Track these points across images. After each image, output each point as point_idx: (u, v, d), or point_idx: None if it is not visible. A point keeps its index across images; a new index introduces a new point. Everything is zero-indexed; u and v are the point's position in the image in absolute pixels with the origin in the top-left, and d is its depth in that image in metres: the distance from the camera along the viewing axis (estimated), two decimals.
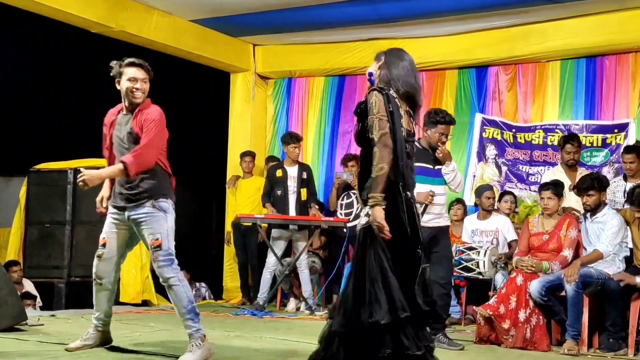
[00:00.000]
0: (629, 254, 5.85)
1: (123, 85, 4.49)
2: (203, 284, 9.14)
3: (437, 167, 5.67)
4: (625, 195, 6.03)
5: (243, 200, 8.60)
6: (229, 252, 9.10)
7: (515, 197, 7.48)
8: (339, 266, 7.49)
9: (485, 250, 6.58)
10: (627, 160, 6.47)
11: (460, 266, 6.61)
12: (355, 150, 8.82)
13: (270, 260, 7.71)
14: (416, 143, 5.52)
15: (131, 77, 4.47)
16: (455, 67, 8.66)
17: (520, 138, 8.09)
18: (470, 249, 6.69)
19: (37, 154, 8.68)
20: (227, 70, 9.60)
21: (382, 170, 3.46)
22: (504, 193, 7.55)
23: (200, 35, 8.72)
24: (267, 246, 7.72)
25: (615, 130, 7.60)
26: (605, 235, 5.69)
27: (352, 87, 9.24)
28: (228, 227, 8.73)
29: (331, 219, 7.59)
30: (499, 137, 8.20)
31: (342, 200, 7.63)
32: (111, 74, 4.54)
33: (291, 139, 7.98)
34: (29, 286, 7.68)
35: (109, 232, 4.60)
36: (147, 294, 7.84)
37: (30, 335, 5.19)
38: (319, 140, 9.37)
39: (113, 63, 4.54)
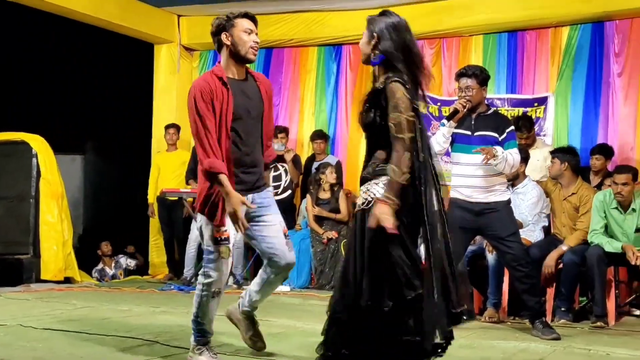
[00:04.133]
0: (547, 224, 6.04)
1: (239, 38, 3.77)
2: (121, 255, 8.98)
3: (477, 133, 4.92)
4: None
5: (168, 174, 8.44)
6: (154, 227, 8.95)
7: None
8: None
9: None
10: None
11: None
12: (284, 122, 8.81)
13: (192, 235, 7.66)
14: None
15: (248, 29, 3.80)
16: None
17: (446, 112, 8.22)
18: None
19: None
20: (150, 42, 9.36)
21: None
22: None
23: (122, 4, 8.46)
24: (193, 221, 7.62)
25: (536, 104, 7.79)
26: (525, 206, 5.85)
27: (279, 60, 9.16)
28: (151, 199, 8.55)
29: None
30: (425, 111, 8.30)
31: (270, 172, 7.59)
32: (215, 28, 3.81)
33: None
34: None
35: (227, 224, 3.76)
36: (69, 271, 7.67)
37: None
38: None
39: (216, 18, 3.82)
